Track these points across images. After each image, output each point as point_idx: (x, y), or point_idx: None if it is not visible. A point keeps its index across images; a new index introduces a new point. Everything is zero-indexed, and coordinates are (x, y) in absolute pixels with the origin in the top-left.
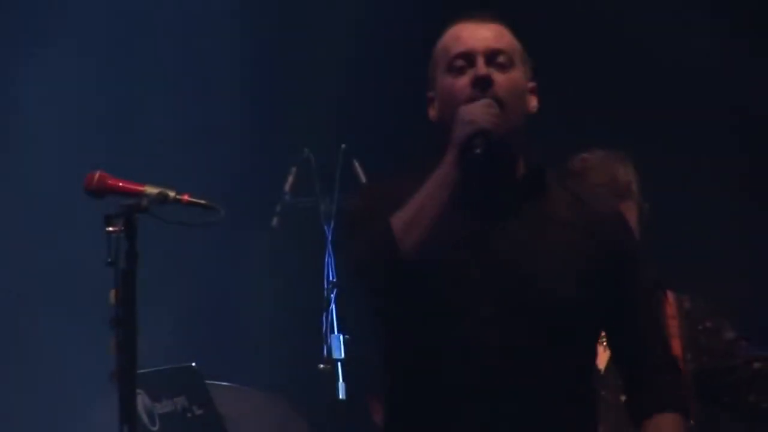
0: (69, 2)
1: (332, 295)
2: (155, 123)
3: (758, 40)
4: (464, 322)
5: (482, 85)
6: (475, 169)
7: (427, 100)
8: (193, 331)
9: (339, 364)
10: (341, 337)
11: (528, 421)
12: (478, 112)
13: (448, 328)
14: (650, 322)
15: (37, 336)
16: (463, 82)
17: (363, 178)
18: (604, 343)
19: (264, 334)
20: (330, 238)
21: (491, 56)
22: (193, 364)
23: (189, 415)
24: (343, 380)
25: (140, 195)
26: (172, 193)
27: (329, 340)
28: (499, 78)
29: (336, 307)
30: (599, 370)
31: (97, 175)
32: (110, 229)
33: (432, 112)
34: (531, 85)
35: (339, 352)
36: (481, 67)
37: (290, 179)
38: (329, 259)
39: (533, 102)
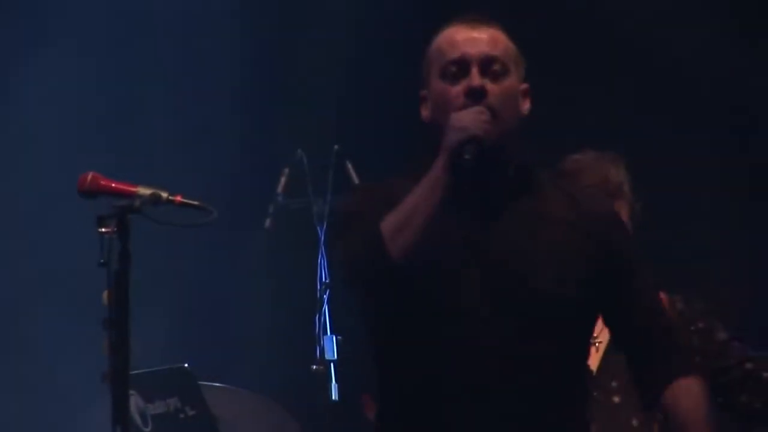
0: (69, 2)
1: (325, 296)
2: (150, 123)
3: (758, 39)
4: (457, 322)
5: (476, 96)
6: (465, 175)
7: (420, 99)
8: (186, 332)
9: (332, 365)
10: (334, 338)
11: (523, 421)
12: (469, 119)
13: (441, 328)
14: (652, 302)
15: (30, 337)
16: (457, 90)
17: (356, 179)
18: (596, 345)
19: (257, 335)
20: (323, 239)
21: (486, 64)
22: (186, 365)
23: (182, 416)
24: (337, 381)
25: (133, 196)
26: (164, 194)
27: (322, 341)
28: (493, 88)
29: (329, 308)
30: (591, 371)
31: (89, 176)
32: (103, 230)
33: (424, 113)
34: (524, 87)
35: (332, 353)
36: (475, 78)
37: (283, 180)
38: (322, 260)
39: (526, 105)
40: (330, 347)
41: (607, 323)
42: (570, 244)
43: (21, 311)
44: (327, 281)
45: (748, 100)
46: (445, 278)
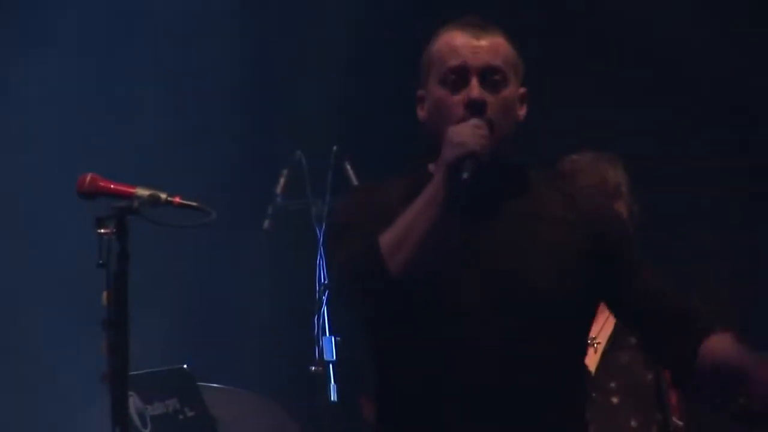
0: (69, 2)
1: (324, 297)
2: (149, 124)
3: (758, 39)
4: (456, 323)
5: (475, 109)
6: (462, 192)
7: (417, 99)
8: (185, 333)
9: (331, 365)
10: (333, 339)
11: (522, 421)
12: (467, 134)
13: (440, 329)
14: (661, 282)
15: (30, 337)
16: (456, 100)
17: (355, 180)
18: (595, 346)
19: (256, 335)
20: (322, 240)
21: (486, 74)
22: (185, 366)
23: (181, 417)
24: (336, 382)
25: (132, 197)
26: (163, 195)
27: (321, 342)
28: (493, 100)
29: (328, 309)
30: (590, 372)
31: (88, 177)
32: (102, 230)
33: (421, 113)
34: (522, 91)
35: (331, 354)
36: (475, 89)
37: (282, 181)
38: (321, 261)
39: (523, 110)
40: (329, 348)
41: (620, 316)
42: (569, 244)
43: (21, 311)
44: (326, 282)
45: (748, 100)
46: (445, 281)
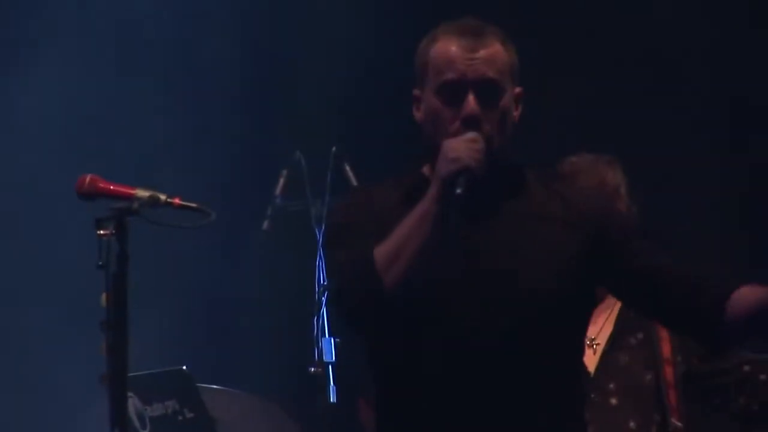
0: (69, 2)
1: (323, 299)
2: (149, 124)
3: (759, 38)
4: (455, 325)
5: (471, 123)
6: (456, 207)
7: (413, 99)
8: (185, 334)
9: (330, 367)
10: (332, 340)
11: (522, 421)
12: (462, 149)
13: (438, 331)
14: (668, 258)
15: (29, 337)
16: (452, 114)
17: (354, 181)
18: (594, 347)
19: (255, 337)
20: (321, 241)
21: (482, 87)
22: (185, 367)
23: (180, 418)
24: (335, 383)
25: (131, 198)
26: (163, 197)
27: (320, 344)
28: (489, 115)
29: (327, 310)
30: (589, 373)
31: (88, 178)
32: (101, 232)
33: (417, 113)
34: (517, 91)
35: (330, 355)
36: (471, 105)
37: (281, 182)
38: (320, 262)
39: (518, 111)
40: (328, 349)
41: (638, 303)
42: (568, 244)
43: (21, 312)
44: (325, 283)
45: (748, 100)
46: (443, 282)
